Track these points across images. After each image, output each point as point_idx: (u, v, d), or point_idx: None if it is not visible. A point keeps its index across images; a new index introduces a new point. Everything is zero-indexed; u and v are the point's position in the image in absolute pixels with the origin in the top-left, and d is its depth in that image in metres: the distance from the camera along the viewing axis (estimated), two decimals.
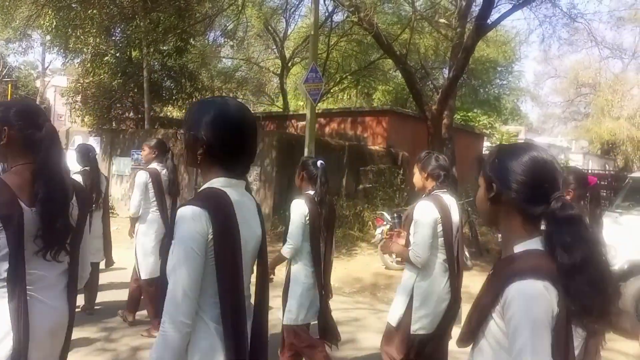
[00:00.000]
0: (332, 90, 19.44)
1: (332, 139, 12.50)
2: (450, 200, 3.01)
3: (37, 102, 33.32)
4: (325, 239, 3.28)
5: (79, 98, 13.50)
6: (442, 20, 12.39)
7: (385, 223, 7.73)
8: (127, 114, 14.34)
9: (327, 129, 14.03)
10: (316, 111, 10.87)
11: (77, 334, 2.97)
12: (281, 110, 19.26)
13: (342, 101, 21.98)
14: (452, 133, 11.52)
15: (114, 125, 13.53)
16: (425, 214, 2.88)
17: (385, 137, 12.85)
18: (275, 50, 21.11)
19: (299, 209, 3.19)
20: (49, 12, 10.98)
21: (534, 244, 1.29)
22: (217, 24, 16.03)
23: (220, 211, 1.44)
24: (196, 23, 12.57)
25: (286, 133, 13.29)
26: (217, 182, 1.51)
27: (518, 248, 1.31)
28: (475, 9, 10.69)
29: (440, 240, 2.91)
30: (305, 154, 9.22)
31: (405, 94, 18.15)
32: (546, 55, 27.54)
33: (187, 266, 1.38)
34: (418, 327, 2.87)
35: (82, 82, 13.47)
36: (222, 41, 18.30)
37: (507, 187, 1.31)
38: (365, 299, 6.42)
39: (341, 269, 7.33)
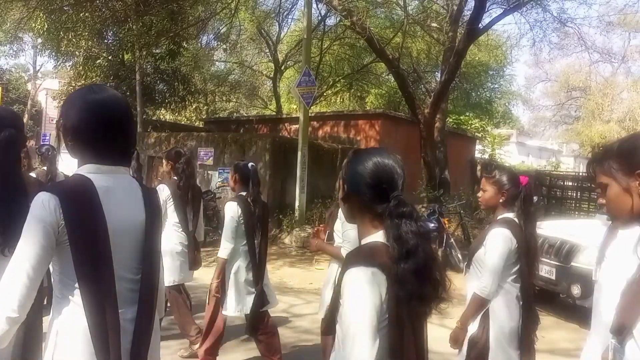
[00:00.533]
0: (325, 94, 19.49)
1: (325, 142, 12.52)
2: None
3: (29, 106, 33.08)
4: (260, 236, 3.51)
5: None
6: (434, 25, 12.48)
7: None
8: None
9: (320, 132, 14.05)
10: (309, 114, 10.90)
11: None
12: (274, 113, 19.28)
13: (335, 104, 22.03)
14: (444, 136, 11.58)
15: None
16: None
17: (378, 140, 12.89)
18: (268, 53, 21.13)
19: (231, 211, 3.39)
20: (41, 14, 10.92)
21: (378, 237, 1.43)
22: (210, 27, 16.02)
23: (73, 197, 1.45)
24: (189, 26, 12.56)
25: (279, 136, 13.29)
26: (84, 169, 1.53)
27: (364, 241, 1.47)
28: (467, 14, 10.78)
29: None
30: (299, 157, 9.25)
31: (397, 98, 18.22)
32: (537, 59, 27.66)
33: (26, 252, 1.38)
34: None
35: (74, 85, 13.43)
36: (215, 44, 18.32)
37: (355, 189, 1.47)
38: None
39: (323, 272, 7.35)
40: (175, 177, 4.05)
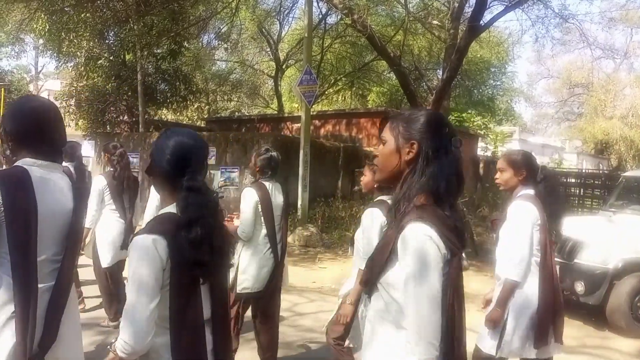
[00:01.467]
0: (326, 92, 19.48)
1: (327, 141, 12.52)
2: (273, 186, 3.51)
3: None
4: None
5: (72, 102, 13.44)
6: (435, 22, 12.45)
7: None
8: (121, 118, 14.29)
9: (322, 131, 14.05)
10: (311, 113, 10.89)
11: None
12: (276, 112, 19.27)
13: (336, 103, 22.02)
14: None
15: (108, 129, 13.50)
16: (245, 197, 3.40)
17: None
18: (269, 52, 21.12)
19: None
20: (42, 15, 10.95)
21: (172, 208, 1.60)
22: (211, 26, 16.02)
23: (8, 184, 1.71)
24: (190, 26, 12.56)
25: (281, 135, 13.28)
26: (21, 162, 1.80)
27: (162, 212, 1.63)
28: (468, 11, 10.75)
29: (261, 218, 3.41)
30: (301, 156, 9.25)
31: (399, 95, 18.20)
32: (539, 55, 27.66)
33: None
34: (242, 287, 3.39)
35: (75, 85, 13.44)
36: (216, 44, 18.32)
37: (159, 163, 1.63)
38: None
39: (338, 271, 7.34)
40: (111, 169, 4.41)
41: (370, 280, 1.46)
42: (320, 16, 15.63)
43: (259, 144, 9.50)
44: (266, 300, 3.51)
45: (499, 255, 2.79)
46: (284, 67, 20.10)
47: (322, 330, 3.82)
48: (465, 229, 1.55)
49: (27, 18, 11.25)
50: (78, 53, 12.76)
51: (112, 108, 13.69)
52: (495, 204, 12.69)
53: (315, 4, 11.74)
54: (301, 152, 9.28)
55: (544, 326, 2.65)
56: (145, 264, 1.49)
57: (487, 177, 16.27)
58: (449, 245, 1.35)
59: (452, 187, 1.43)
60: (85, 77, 13.18)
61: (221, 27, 16.93)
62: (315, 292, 6.14)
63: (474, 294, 6.12)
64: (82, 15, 10.85)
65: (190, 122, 19.96)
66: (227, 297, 1.81)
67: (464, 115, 19.86)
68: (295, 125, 13.80)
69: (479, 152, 18.88)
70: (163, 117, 16.80)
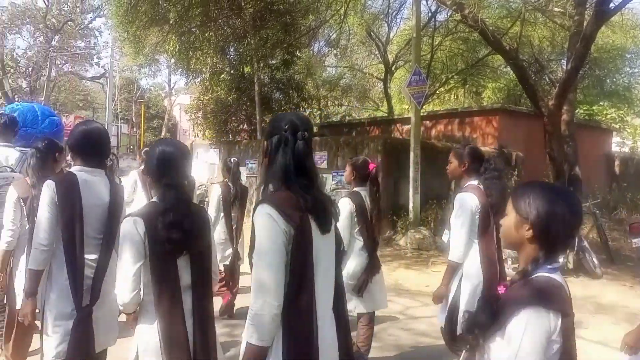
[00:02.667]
0: (437, 92, 18.95)
1: (438, 142, 12.18)
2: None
3: (165, 119, 36.92)
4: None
5: (200, 114, 14.76)
6: (556, 9, 11.46)
7: None
8: (241, 126, 15.34)
9: (433, 132, 13.71)
10: (421, 114, 10.69)
11: None
12: (386, 114, 19.21)
13: (448, 102, 21.29)
14: (573, 129, 10.58)
15: (230, 137, 14.57)
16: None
17: (497, 137, 12.19)
18: (378, 55, 21.15)
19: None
20: (173, 37, 12.20)
21: (156, 199, 2.14)
22: (321, 34, 16.52)
23: (63, 184, 2.43)
24: (301, 36, 13.09)
25: (391, 137, 13.22)
26: (73, 169, 2.54)
27: (150, 201, 2.21)
28: None
29: None
30: (411, 157, 9.13)
31: (518, 90, 17.05)
32: None
33: (42, 220, 2.40)
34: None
35: (202, 99, 14.73)
36: (326, 51, 18.81)
37: (149, 166, 2.21)
38: None
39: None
40: (226, 180, 5.08)
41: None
42: (430, 14, 15.27)
43: (369, 147, 9.58)
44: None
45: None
46: (393, 69, 19.96)
47: (435, 335, 3.75)
48: (331, 204, 1.83)
49: (161, 41, 12.61)
50: (204, 69, 13.99)
51: (233, 118, 14.78)
52: (635, 205, 11.31)
53: (423, 2, 11.53)
54: (411, 153, 9.16)
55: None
56: (127, 238, 2.01)
57: (624, 175, 14.54)
58: (290, 220, 1.63)
59: (289, 176, 1.70)
60: (210, 91, 14.39)
61: (331, 34, 17.37)
62: (428, 295, 6.00)
63: (611, 306, 5.52)
64: (207, 34, 11.89)
65: None
66: (207, 268, 2.20)
67: (594, 108, 18.00)
68: (406, 127, 13.64)
69: (614, 147, 16.94)
70: None
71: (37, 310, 2.54)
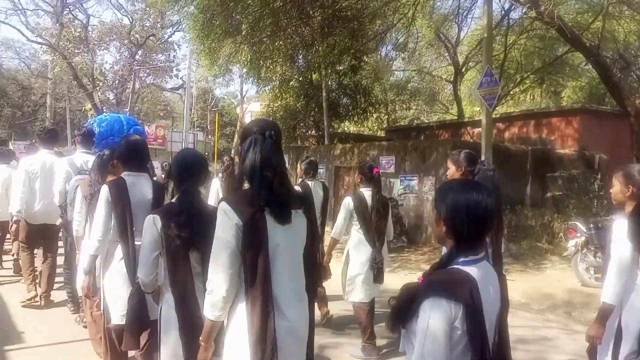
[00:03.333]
0: (511, 92, 18.18)
1: (512, 145, 11.69)
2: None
3: (237, 127, 38.34)
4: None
5: None
6: None
7: (579, 235, 6.93)
8: (309, 132, 15.62)
9: (506, 134, 13.18)
10: (493, 116, 10.34)
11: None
12: (455, 118, 18.73)
13: (523, 103, 20.34)
14: None
15: (298, 142, 14.88)
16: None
17: (577, 139, 11.51)
18: (447, 57, 20.68)
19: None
20: (245, 48, 12.70)
21: (176, 201, 2.57)
22: (388, 39, 16.43)
23: (114, 187, 3.07)
24: (368, 41, 13.12)
25: (460, 141, 12.88)
26: (123, 174, 3.19)
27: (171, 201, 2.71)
28: None
29: None
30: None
31: (602, 89, 15.95)
32: None
33: (98, 217, 3.09)
34: None
35: (272, 106, 15.18)
36: (394, 55, 18.68)
37: (173, 172, 2.66)
38: (558, 318, 5.83)
39: (527, 284, 6.80)
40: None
41: None
42: (503, 13, 14.72)
43: (437, 151, 9.40)
44: None
45: None
46: (463, 70, 19.43)
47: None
48: (292, 197, 2.04)
49: (234, 51, 13.17)
50: (273, 77, 14.43)
51: (301, 124, 15.10)
52: None
53: (496, 0, 11.14)
54: (483, 157, 8.86)
55: None
56: (147, 231, 2.43)
57: None
58: (241, 215, 1.90)
59: (254, 172, 1.95)
60: (279, 98, 14.80)
61: (398, 38, 17.22)
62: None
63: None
64: (276, 43, 12.25)
65: (370, 132, 20.73)
66: None
67: None
68: (476, 130, 13.23)
69: None
70: (345, 129, 17.78)
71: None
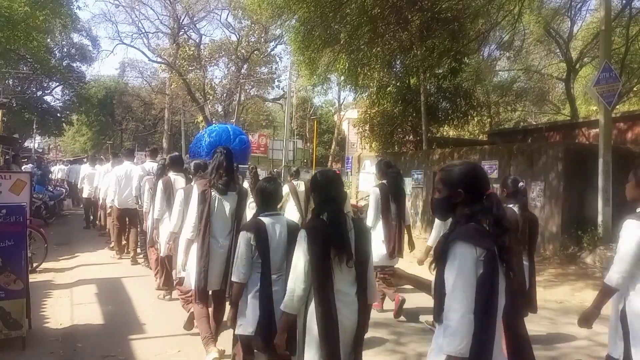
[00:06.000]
0: (634, 89, 16.40)
1: (636, 146, 10.53)
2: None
3: (335, 134, 39.03)
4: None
5: (367, 127, 15.27)
6: None
7: None
8: (407, 137, 15.40)
9: (629, 135, 11.89)
10: (613, 115, 9.44)
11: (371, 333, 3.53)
12: (568, 118, 17.32)
13: None
14: None
15: (396, 148, 14.75)
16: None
17: None
18: (558, 53, 19.24)
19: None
20: (343, 56, 12.93)
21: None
22: (491, 37, 15.70)
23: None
24: (470, 42, 12.65)
25: (574, 143, 11.88)
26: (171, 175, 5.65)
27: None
28: None
29: None
30: (600, 164, 8.12)
31: None
32: None
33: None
34: None
35: (369, 112, 15.21)
36: (498, 54, 17.80)
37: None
38: None
39: None
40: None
41: None
42: (624, 2, 13.37)
43: (547, 154, 8.76)
44: None
45: None
46: (577, 67, 17.92)
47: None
48: (233, 182, 4.04)
49: (332, 60, 13.47)
50: (371, 84, 14.47)
51: (399, 129, 14.93)
52: None
53: None
54: (600, 160, 8.13)
55: None
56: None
57: None
58: (197, 190, 3.99)
59: (217, 175, 3.89)
60: (376, 104, 14.79)
61: (502, 36, 16.38)
62: None
63: None
64: (374, 50, 12.31)
65: (471, 136, 19.90)
66: None
67: None
68: (593, 131, 12.14)
69: None
70: (444, 133, 17.28)
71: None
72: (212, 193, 3.92)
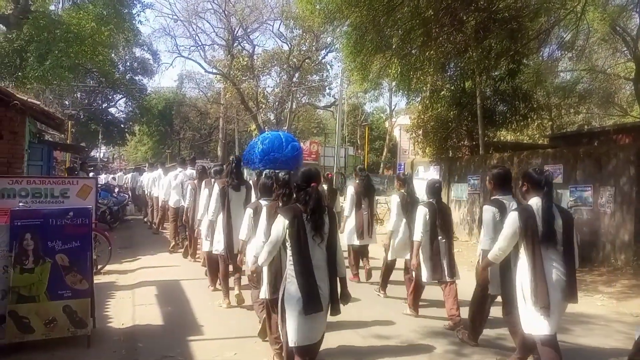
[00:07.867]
0: None
1: None
2: None
3: (387, 140, 38.65)
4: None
5: (420, 132, 14.96)
6: None
7: None
8: (462, 142, 14.96)
9: None
10: None
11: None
12: (638, 120, 16.22)
13: None
14: None
15: (450, 153, 14.35)
16: None
17: None
18: (626, 52, 18.12)
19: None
20: (395, 61, 12.73)
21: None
22: (552, 37, 14.99)
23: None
24: (529, 41, 12.13)
25: None
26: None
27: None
28: None
29: None
30: None
31: None
32: None
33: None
34: None
35: (422, 117, 14.90)
36: (559, 54, 16.97)
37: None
38: None
39: None
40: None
41: None
42: None
43: (617, 158, 8.20)
44: None
45: None
46: None
47: None
48: (242, 183, 5.92)
49: (384, 66, 13.31)
50: (424, 88, 14.18)
51: (453, 134, 14.52)
52: None
53: None
54: None
55: None
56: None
57: None
58: (219, 185, 5.96)
59: (231, 176, 5.88)
60: (430, 109, 14.46)
61: (564, 35, 15.61)
62: None
63: None
64: (427, 53, 12.04)
65: (530, 141, 19.07)
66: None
67: None
68: None
69: None
70: (502, 138, 16.65)
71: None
72: (229, 189, 5.80)
